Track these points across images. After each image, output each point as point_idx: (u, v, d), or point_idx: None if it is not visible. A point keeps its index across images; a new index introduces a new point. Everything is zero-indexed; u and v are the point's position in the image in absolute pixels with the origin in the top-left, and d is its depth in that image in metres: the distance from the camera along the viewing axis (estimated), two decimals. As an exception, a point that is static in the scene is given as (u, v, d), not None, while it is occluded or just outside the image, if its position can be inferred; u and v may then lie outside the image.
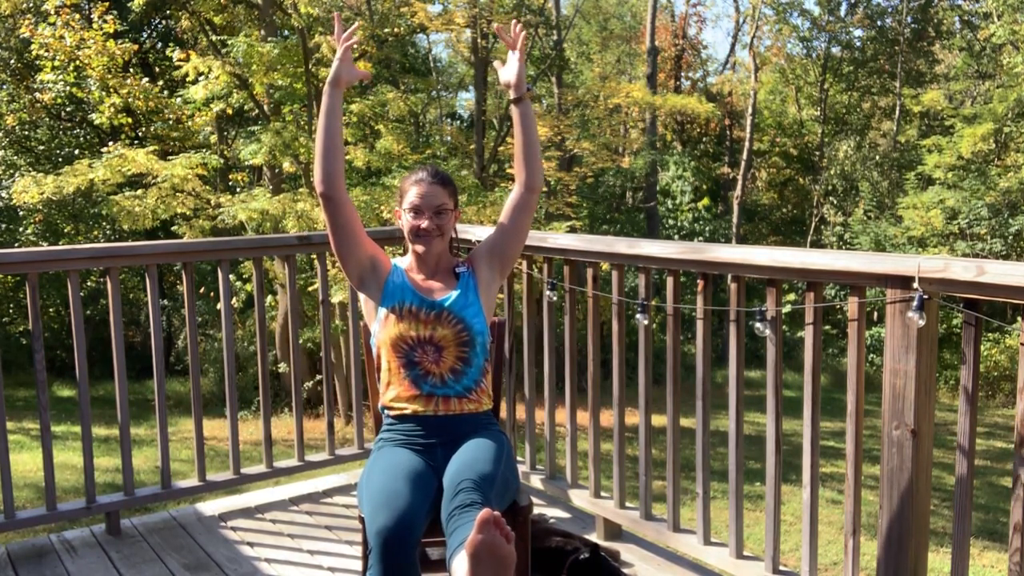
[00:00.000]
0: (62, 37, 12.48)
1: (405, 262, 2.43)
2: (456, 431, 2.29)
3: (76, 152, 15.85)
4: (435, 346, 2.29)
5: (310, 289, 11.43)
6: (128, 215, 10.84)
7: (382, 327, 2.32)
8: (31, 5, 14.25)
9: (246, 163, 12.55)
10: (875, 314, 17.03)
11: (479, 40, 16.00)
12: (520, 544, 2.25)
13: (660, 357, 10.61)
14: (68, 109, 16.30)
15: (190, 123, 13.94)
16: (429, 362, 2.29)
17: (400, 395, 2.31)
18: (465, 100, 25.45)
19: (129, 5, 13.09)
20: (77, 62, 12.75)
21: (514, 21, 2.44)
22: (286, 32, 13.26)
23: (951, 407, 14.30)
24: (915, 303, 2.03)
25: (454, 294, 2.35)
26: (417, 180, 2.34)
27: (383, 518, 1.95)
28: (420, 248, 2.33)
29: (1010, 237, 17.27)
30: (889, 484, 2.18)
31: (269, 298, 13.32)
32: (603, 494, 3.15)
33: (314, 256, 4.41)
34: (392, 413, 2.33)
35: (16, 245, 15.17)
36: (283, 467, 3.56)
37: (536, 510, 3.26)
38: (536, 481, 3.42)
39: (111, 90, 12.86)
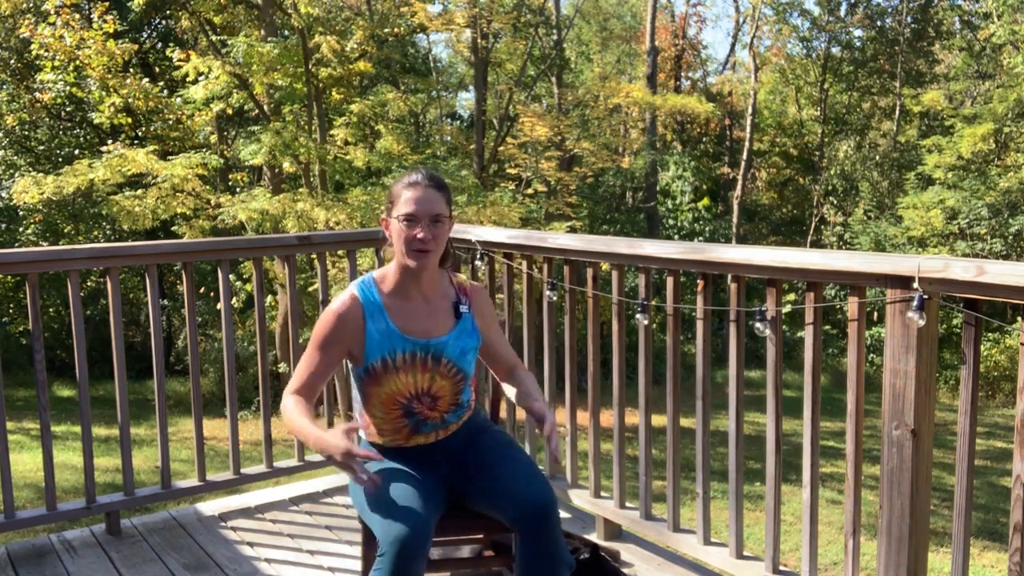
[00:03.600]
0: (62, 37, 12.47)
1: (386, 282, 2.16)
2: (456, 444, 2.27)
3: (76, 152, 15.84)
4: (431, 396, 2.17)
5: (310, 289, 11.43)
6: (128, 215, 10.84)
7: (373, 381, 2.13)
8: (31, 5, 14.25)
9: (246, 163, 12.55)
10: (875, 314, 17.03)
11: (479, 40, 16.01)
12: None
13: (660, 357, 10.65)
14: (68, 109, 16.30)
15: (190, 123, 13.94)
16: (426, 410, 2.18)
17: (398, 439, 2.21)
18: (465, 100, 25.50)
19: (129, 5, 13.09)
20: (77, 62, 12.75)
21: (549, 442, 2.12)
22: (286, 32, 13.26)
23: (951, 407, 14.29)
24: (915, 303, 2.03)
25: (451, 335, 2.17)
26: (411, 183, 2.09)
27: (401, 526, 1.92)
28: (413, 262, 2.07)
29: (1010, 237, 17.27)
30: (889, 484, 2.18)
31: (269, 298, 13.32)
32: (603, 494, 3.15)
33: (314, 256, 4.41)
34: (389, 447, 2.23)
35: (16, 245, 15.17)
36: (283, 467, 3.56)
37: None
38: (536, 481, 3.41)
39: (111, 90, 12.85)
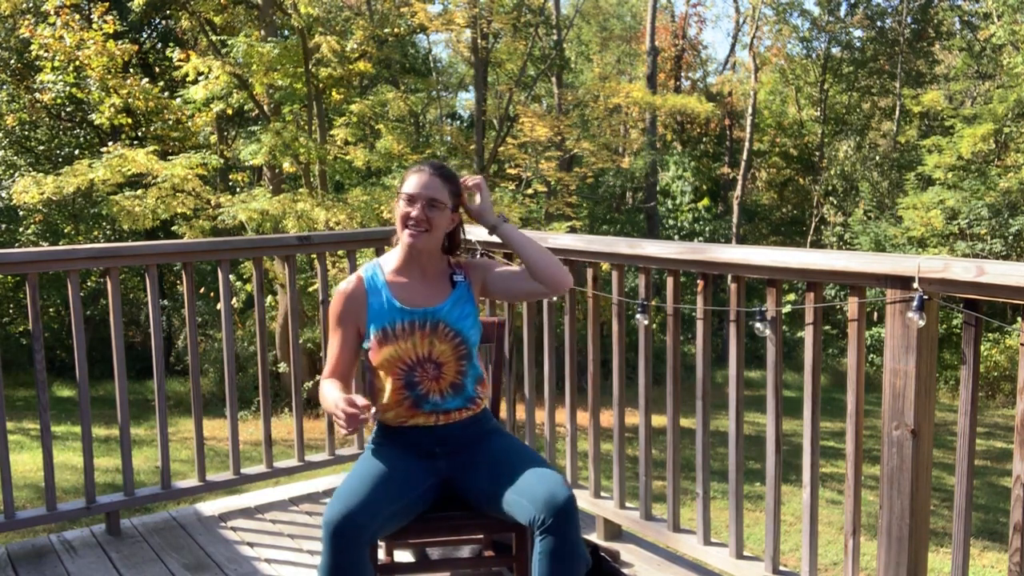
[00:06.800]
0: (62, 37, 12.47)
1: (389, 263, 2.32)
2: (459, 440, 2.29)
3: (76, 152, 15.86)
4: (435, 363, 2.25)
5: (310, 289, 11.43)
6: (128, 215, 10.85)
7: (374, 350, 2.24)
8: (31, 5, 14.25)
9: (246, 163, 12.56)
10: (875, 314, 17.04)
11: (479, 40, 16.01)
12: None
13: (660, 357, 10.65)
14: (68, 109, 16.31)
15: (190, 123, 13.95)
16: (429, 380, 2.25)
17: (401, 413, 2.28)
18: (465, 100, 25.49)
19: (129, 5, 13.09)
20: (77, 62, 12.75)
21: (464, 180, 2.33)
22: (286, 32, 13.26)
23: (951, 407, 14.30)
24: (915, 303, 2.03)
25: (448, 303, 2.27)
26: (417, 169, 2.28)
27: (334, 509, 2.04)
28: (408, 239, 2.22)
29: (1010, 237, 17.26)
30: (889, 484, 2.18)
31: (269, 298, 13.32)
32: (603, 494, 3.15)
33: (314, 256, 4.41)
34: (391, 425, 2.31)
35: (16, 245, 15.17)
36: (283, 467, 3.56)
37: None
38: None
39: (111, 90, 12.86)
